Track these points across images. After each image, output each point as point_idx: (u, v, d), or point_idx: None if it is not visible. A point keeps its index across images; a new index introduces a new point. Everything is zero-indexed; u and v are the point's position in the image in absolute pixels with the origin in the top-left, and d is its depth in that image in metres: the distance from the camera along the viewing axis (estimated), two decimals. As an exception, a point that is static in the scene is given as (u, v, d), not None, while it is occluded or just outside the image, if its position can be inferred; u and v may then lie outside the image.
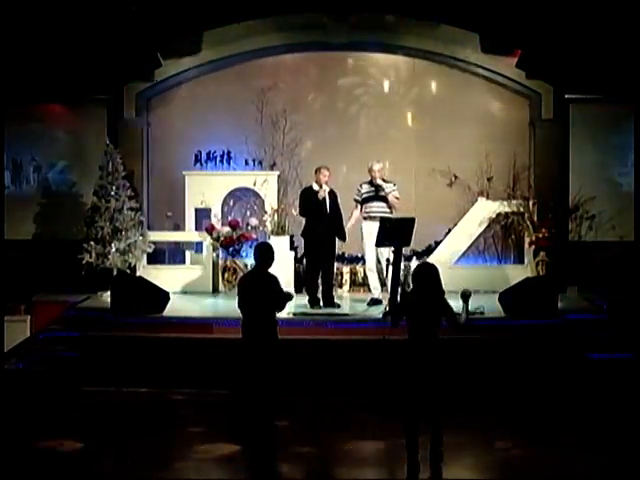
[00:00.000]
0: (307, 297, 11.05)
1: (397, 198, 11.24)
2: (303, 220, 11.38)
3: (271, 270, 7.77)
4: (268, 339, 7.55)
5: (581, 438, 7.55)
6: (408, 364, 6.83)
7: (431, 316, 6.89)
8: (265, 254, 7.72)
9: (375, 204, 11.18)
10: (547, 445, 7.41)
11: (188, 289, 12.70)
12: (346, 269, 12.80)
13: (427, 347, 6.81)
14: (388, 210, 11.16)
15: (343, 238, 11.30)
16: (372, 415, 8.19)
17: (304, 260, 12.47)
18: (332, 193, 11.15)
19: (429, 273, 6.95)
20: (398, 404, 6.98)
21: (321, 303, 11.03)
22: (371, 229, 10.89)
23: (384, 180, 11.26)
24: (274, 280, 7.68)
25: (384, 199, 11.16)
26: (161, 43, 13.01)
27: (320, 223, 11.01)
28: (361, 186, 11.34)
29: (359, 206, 11.35)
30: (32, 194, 13.33)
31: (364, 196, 11.27)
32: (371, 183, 11.23)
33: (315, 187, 11.12)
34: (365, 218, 11.22)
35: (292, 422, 7.86)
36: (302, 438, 7.58)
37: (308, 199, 11.10)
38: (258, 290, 7.59)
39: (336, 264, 12.38)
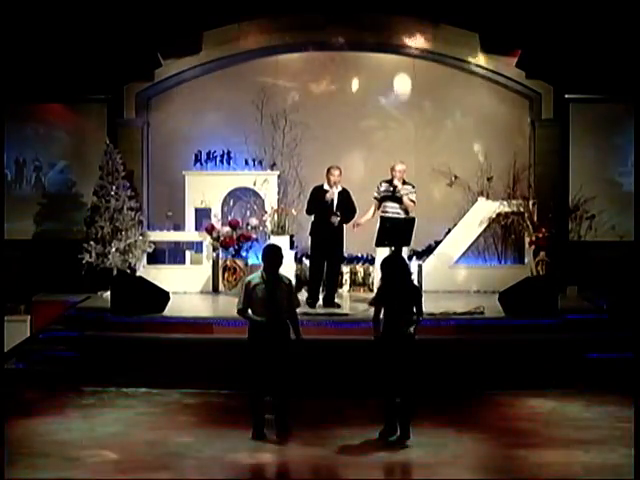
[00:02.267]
0: (306, 296, 11.05)
1: (413, 201, 11.14)
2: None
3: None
4: (285, 340, 7.55)
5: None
6: (384, 351, 7.44)
7: (403, 302, 7.51)
8: (277, 255, 7.68)
9: (390, 204, 11.11)
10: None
11: (188, 289, 12.71)
12: (346, 269, 12.78)
13: (400, 332, 7.42)
14: (402, 212, 11.08)
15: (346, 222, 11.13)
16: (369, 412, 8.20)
17: (305, 259, 12.50)
18: (344, 192, 11.10)
19: (392, 262, 7.76)
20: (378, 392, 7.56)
21: (320, 303, 11.03)
22: None
23: (404, 182, 11.20)
24: (290, 282, 7.76)
25: (400, 200, 11.10)
26: (161, 43, 13.02)
27: (327, 224, 10.98)
28: (381, 184, 11.26)
29: (377, 203, 11.28)
30: (32, 194, 13.36)
31: (382, 195, 11.22)
32: (390, 182, 11.20)
33: (326, 186, 11.08)
34: (381, 217, 11.16)
35: (293, 421, 7.84)
36: (303, 436, 7.58)
37: (316, 198, 11.07)
38: (275, 292, 7.53)
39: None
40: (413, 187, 11.25)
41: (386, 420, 7.48)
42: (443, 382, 9.18)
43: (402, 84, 13.96)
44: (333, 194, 10.95)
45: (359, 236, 11.46)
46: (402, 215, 11.04)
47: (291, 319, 7.65)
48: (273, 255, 7.68)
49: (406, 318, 7.50)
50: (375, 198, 11.32)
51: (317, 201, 11.01)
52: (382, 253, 10.81)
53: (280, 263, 7.69)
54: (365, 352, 8.29)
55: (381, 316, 7.58)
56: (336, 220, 10.88)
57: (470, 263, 13.12)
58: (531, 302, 10.21)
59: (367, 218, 11.34)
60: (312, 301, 10.96)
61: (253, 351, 7.55)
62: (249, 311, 7.64)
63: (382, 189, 11.22)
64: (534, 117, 13.68)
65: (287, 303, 7.62)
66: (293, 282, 7.93)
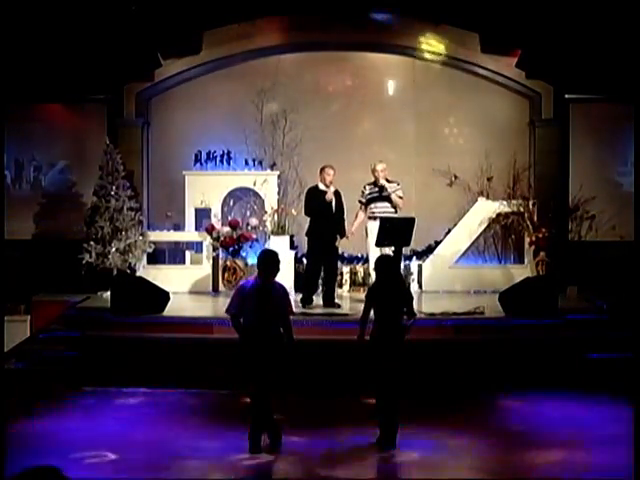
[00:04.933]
0: (301, 295, 11.06)
1: (400, 197, 11.21)
2: (303, 220, 11.37)
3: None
4: (276, 349, 7.26)
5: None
6: (374, 353, 7.33)
7: (395, 303, 7.40)
8: (273, 262, 7.32)
9: (379, 204, 11.15)
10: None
11: (188, 289, 12.71)
12: (346, 269, 12.79)
13: (391, 336, 7.30)
14: (392, 210, 11.13)
15: (342, 235, 11.26)
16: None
17: (304, 259, 12.50)
18: (337, 193, 11.14)
19: (388, 263, 7.67)
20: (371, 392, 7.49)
21: (314, 303, 11.04)
22: (376, 229, 10.81)
23: (388, 180, 11.24)
24: (285, 291, 7.44)
25: (388, 199, 11.13)
26: (161, 43, 13.02)
27: (326, 223, 10.98)
28: (365, 187, 11.32)
29: (363, 207, 11.33)
30: (32, 194, 13.35)
31: (368, 197, 11.25)
32: (375, 183, 11.21)
33: (321, 187, 11.09)
34: (370, 218, 11.18)
35: (292, 421, 7.84)
36: (302, 437, 7.57)
37: (314, 199, 11.07)
38: (267, 301, 7.23)
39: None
40: (398, 184, 11.30)
41: (379, 426, 7.34)
42: (443, 382, 9.18)
43: (402, 84, 13.96)
44: (332, 194, 10.98)
45: (359, 236, 11.46)
46: (393, 213, 11.07)
47: (285, 328, 7.34)
48: (269, 262, 7.31)
49: (397, 321, 7.37)
50: (360, 202, 11.35)
51: (317, 202, 11.02)
52: (375, 253, 10.85)
53: (277, 270, 7.31)
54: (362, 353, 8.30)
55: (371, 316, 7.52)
56: (329, 198, 10.96)
57: (470, 263, 13.12)
58: (531, 302, 10.20)
59: (358, 223, 11.38)
60: (305, 300, 10.95)
61: (245, 358, 7.29)
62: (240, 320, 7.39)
63: (367, 191, 11.26)
64: (534, 117, 13.69)
65: (281, 312, 7.33)
66: (292, 285, 7.78)
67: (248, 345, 7.28)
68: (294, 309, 7.85)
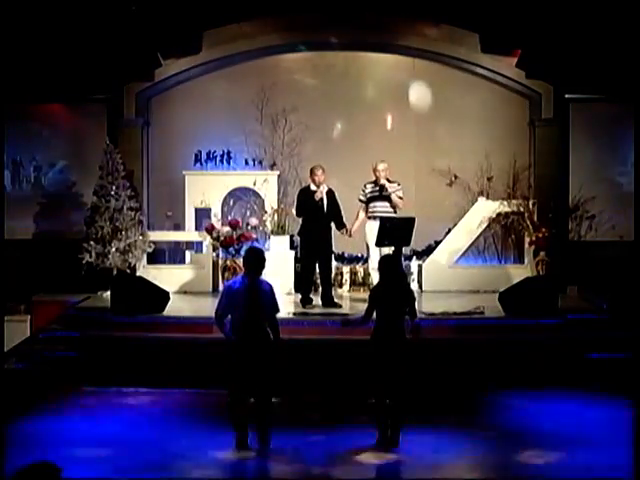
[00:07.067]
0: (300, 296, 11.06)
1: (400, 198, 11.20)
2: (300, 219, 11.40)
3: (271, 271, 7.56)
4: (266, 345, 7.29)
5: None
6: (375, 353, 7.32)
7: (397, 303, 7.39)
8: (259, 259, 7.38)
9: (379, 204, 11.14)
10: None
11: (188, 289, 12.70)
12: (346, 269, 12.80)
13: (394, 336, 7.28)
14: (392, 210, 11.13)
15: (344, 227, 11.30)
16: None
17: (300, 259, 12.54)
18: (330, 192, 11.15)
19: (391, 263, 7.64)
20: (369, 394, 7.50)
21: (313, 302, 11.05)
22: (375, 228, 10.80)
23: (388, 180, 11.24)
24: (272, 288, 7.45)
25: (388, 199, 11.13)
26: (161, 43, 13.03)
27: (317, 223, 11.01)
28: (365, 186, 11.31)
29: (364, 206, 11.34)
30: (32, 194, 13.35)
31: (369, 196, 11.25)
32: (375, 183, 11.22)
33: (313, 187, 11.12)
34: (369, 218, 11.18)
35: (291, 421, 7.84)
36: (301, 437, 7.57)
37: (305, 199, 11.11)
38: (256, 298, 7.27)
39: (336, 264, 12.47)
40: (399, 184, 11.29)
41: (378, 427, 7.36)
42: (443, 382, 9.17)
43: (402, 84, 13.96)
44: (322, 193, 11.01)
45: (359, 236, 11.45)
46: (392, 213, 11.07)
47: (271, 324, 7.37)
48: (255, 259, 7.39)
49: (399, 321, 7.37)
50: (361, 200, 11.35)
51: (307, 202, 11.04)
52: (375, 253, 10.86)
53: (262, 267, 7.39)
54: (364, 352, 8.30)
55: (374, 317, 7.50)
56: (318, 197, 10.99)
57: (470, 263, 13.12)
58: (531, 302, 10.21)
59: (358, 223, 11.39)
60: (304, 300, 10.96)
61: (234, 356, 7.27)
62: (228, 318, 7.39)
63: (368, 190, 11.26)
64: (534, 117, 13.69)
65: (268, 309, 7.36)
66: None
67: (236, 343, 7.27)
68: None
